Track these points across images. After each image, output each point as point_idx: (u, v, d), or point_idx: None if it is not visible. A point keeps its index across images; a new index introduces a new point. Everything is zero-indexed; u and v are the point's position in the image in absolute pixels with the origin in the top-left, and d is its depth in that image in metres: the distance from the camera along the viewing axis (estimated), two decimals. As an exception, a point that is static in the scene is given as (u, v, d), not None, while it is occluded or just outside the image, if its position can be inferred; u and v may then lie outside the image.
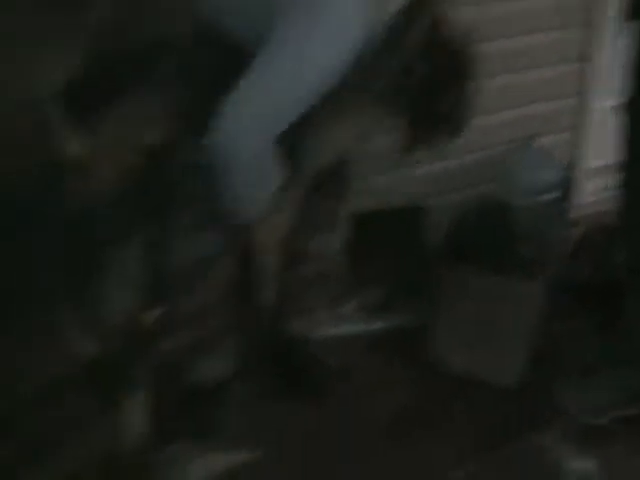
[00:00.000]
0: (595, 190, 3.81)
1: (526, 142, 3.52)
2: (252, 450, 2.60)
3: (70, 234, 2.57)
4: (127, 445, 2.49)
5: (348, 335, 3.10)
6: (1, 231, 2.13)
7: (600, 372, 2.84)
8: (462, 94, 2.35)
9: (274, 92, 2.17)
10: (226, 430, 2.65)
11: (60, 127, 2.27)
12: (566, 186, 3.52)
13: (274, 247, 2.58)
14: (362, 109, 2.42)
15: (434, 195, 3.40)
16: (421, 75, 2.25)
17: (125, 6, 2.21)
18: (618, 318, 2.86)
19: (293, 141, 2.35)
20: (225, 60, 2.22)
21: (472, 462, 2.67)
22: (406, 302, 3.22)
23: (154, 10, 2.28)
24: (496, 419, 2.83)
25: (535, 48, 3.54)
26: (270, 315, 2.77)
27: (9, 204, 2.12)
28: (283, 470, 2.58)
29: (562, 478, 2.63)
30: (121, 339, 2.38)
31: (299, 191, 2.56)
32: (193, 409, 2.64)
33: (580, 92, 3.77)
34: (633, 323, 2.78)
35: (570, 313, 3.18)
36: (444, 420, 2.82)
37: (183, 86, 2.32)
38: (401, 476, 2.62)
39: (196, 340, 2.52)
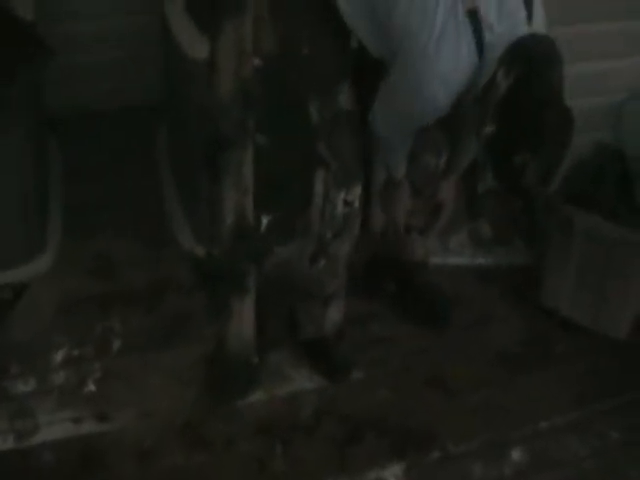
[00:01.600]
0: None
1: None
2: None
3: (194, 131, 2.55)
4: (233, 347, 2.47)
5: (457, 266, 3.06)
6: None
7: None
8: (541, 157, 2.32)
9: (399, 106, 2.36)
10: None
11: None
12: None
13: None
14: None
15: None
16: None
17: None
18: None
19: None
20: None
21: (576, 410, 2.61)
22: (517, 240, 3.16)
23: None
24: (602, 370, 2.77)
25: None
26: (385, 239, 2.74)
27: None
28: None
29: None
30: (233, 242, 2.33)
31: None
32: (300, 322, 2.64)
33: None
34: None
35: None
36: (549, 363, 2.77)
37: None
38: (506, 412, 2.57)
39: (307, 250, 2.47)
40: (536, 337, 2.86)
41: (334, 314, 2.61)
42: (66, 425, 2.35)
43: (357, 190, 2.37)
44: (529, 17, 2.29)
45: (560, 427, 2.56)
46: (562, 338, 2.84)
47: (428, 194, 2.70)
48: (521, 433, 2.53)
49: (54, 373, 2.48)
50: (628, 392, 2.69)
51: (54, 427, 2.35)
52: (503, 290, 3.01)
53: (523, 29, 2.25)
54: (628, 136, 3.30)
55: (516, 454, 2.48)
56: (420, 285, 2.87)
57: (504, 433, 2.52)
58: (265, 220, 2.41)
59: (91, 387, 2.46)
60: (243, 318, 2.45)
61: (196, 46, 2.52)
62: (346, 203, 2.37)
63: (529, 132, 2.28)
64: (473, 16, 2.21)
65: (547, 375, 2.72)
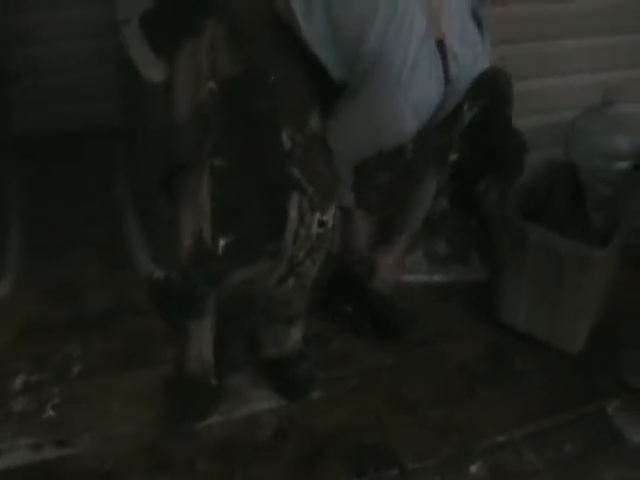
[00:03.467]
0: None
1: (601, 107, 3.44)
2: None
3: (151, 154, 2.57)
4: (193, 369, 2.49)
5: (414, 283, 3.09)
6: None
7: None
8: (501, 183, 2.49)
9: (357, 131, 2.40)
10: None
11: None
12: (640, 157, 3.44)
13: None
14: None
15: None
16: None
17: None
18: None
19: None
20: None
21: (533, 423, 2.64)
22: (473, 257, 3.21)
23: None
24: (559, 383, 2.79)
25: (619, 9, 3.46)
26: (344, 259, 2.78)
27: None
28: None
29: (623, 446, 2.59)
30: (190, 265, 2.35)
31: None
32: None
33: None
34: None
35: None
36: (508, 378, 2.80)
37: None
38: (465, 427, 2.59)
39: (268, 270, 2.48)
40: (494, 352, 2.88)
41: (296, 334, 2.64)
42: (26, 451, 2.35)
43: (332, 210, 2.39)
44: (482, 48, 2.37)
45: (518, 440, 2.58)
46: (520, 353, 2.87)
47: (383, 214, 2.75)
48: (480, 447, 2.54)
49: (13, 399, 2.48)
50: (584, 405, 2.72)
51: (14, 453, 2.35)
52: (461, 307, 3.05)
53: (482, 61, 2.32)
54: (579, 152, 3.35)
55: (475, 468, 2.49)
56: (380, 302, 2.90)
57: (463, 448, 2.53)
58: (223, 242, 2.42)
59: (50, 412, 2.46)
60: (202, 340, 2.47)
61: (152, 69, 2.53)
62: (320, 223, 2.39)
63: (492, 160, 2.36)
64: (440, 45, 2.27)
65: (505, 390, 2.75)
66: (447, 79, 2.28)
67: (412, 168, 2.66)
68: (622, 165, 3.35)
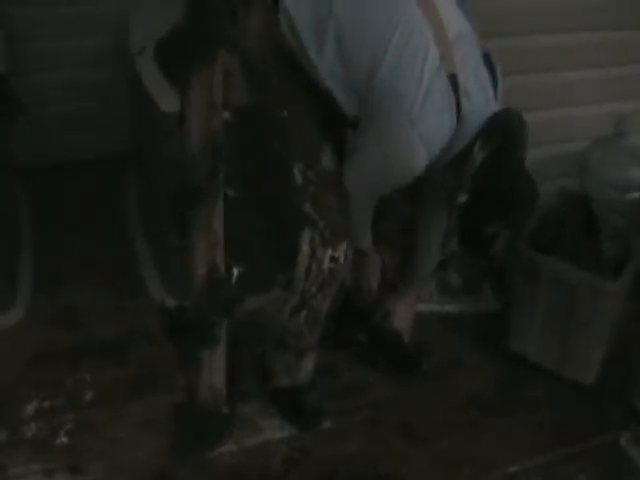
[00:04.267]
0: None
1: (613, 138, 3.45)
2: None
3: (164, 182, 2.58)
4: (204, 397, 2.49)
5: (426, 313, 3.08)
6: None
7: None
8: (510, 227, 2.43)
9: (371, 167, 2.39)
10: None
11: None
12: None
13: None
14: None
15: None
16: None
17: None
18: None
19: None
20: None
21: (544, 454, 2.63)
22: (484, 288, 3.22)
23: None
24: (570, 413, 2.80)
25: (627, 41, 3.47)
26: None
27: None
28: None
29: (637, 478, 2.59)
30: (204, 294, 2.36)
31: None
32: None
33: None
34: None
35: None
36: (519, 409, 2.79)
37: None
38: (476, 459, 2.59)
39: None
40: (505, 383, 2.88)
41: (308, 365, 2.64)
42: (38, 477, 2.36)
43: (343, 246, 2.39)
44: (495, 95, 2.37)
45: (529, 471, 2.58)
46: (531, 383, 2.87)
47: (402, 247, 2.75)
48: (491, 478, 2.54)
49: (26, 425, 2.49)
50: (596, 436, 2.72)
51: (27, 479, 2.36)
52: (472, 337, 3.05)
53: (494, 105, 2.32)
54: (592, 183, 3.35)
55: (486, 499, 2.50)
56: (391, 333, 2.90)
57: (474, 478, 2.53)
58: (236, 271, 2.43)
59: (63, 439, 2.47)
60: (214, 369, 2.47)
61: (167, 99, 2.56)
62: (332, 259, 2.39)
63: (502, 205, 2.35)
64: (453, 81, 2.27)
65: (516, 420, 2.74)
66: (459, 116, 2.28)
67: (425, 202, 2.68)
68: (635, 196, 3.35)
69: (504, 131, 2.32)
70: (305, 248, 2.38)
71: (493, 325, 3.05)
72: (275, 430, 2.60)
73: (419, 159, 2.28)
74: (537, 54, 3.28)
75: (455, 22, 2.32)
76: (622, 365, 2.94)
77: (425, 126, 2.23)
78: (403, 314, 2.87)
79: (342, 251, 2.40)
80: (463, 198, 2.35)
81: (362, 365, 2.85)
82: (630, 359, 2.98)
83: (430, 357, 2.91)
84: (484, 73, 2.35)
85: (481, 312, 3.17)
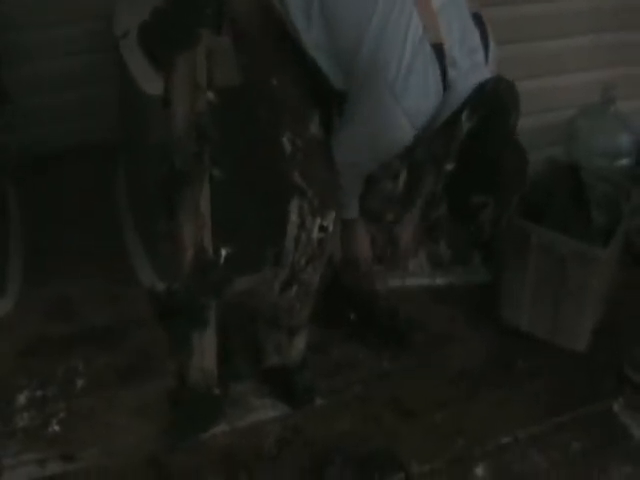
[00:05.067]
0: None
1: (601, 106, 3.44)
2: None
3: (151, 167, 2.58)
4: (196, 380, 2.51)
5: (416, 287, 3.10)
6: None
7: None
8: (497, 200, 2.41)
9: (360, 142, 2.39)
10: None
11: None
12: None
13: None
14: None
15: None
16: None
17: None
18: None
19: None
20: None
21: (537, 424, 2.65)
22: (475, 259, 3.22)
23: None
24: (563, 382, 2.81)
25: (615, 9, 3.46)
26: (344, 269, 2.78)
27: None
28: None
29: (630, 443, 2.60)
30: (192, 276, 2.37)
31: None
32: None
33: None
34: None
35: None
36: (511, 379, 2.81)
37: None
38: (469, 430, 2.60)
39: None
40: (497, 354, 2.89)
41: (299, 343, 2.65)
42: (31, 467, 2.37)
43: (332, 215, 2.40)
44: (486, 56, 2.35)
45: (522, 441, 2.60)
46: (523, 354, 2.88)
47: (387, 221, 2.75)
48: (484, 449, 2.56)
49: (17, 415, 2.50)
50: (589, 404, 2.73)
51: (19, 469, 2.36)
52: (463, 309, 3.05)
53: (483, 70, 2.31)
54: (580, 151, 3.35)
55: (480, 470, 2.51)
56: (380, 309, 2.90)
57: (467, 450, 2.55)
58: (224, 252, 2.44)
59: (55, 427, 2.47)
60: (204, 351, 2.48)
61: (151, 82, 2.55)
62: (321, 228, 2.40)
63: (489, 174, 2.34)
64: (438, 50, 2.25)
65: (508, 391, 2.76)
66: (445, 85, 2.27)
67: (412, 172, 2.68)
68: (623, 163, 3.35)
69: (492, 100, 2.30)
70: (294, 218, 2.39)
71: (484, 296, 3.05)
72: (268, 409, 2.61)
73: (404, 133, 2.27)
74: (522, 23, 3.28)
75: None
76: (613, 333, 2.95)
77: (409, 100, 2.22)
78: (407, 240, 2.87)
79: (331, 220, 2.40)
80: (450, 166, 2.35)
81: (352, 342, 2.86)
82: (620, 326, 2.99)
83: (420, 331, 2.91)
84: (473, 36, 2.33)
85: (472, 284, 3.17)
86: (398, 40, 2.22)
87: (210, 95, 2.26)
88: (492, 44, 2.39)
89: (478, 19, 2.37)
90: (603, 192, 3.14)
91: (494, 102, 2.31)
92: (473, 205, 2.36)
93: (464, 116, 2.28)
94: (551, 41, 3.37)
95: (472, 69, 2.29)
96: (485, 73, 2.31)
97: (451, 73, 2.25)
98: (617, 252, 2.99)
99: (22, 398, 2.54)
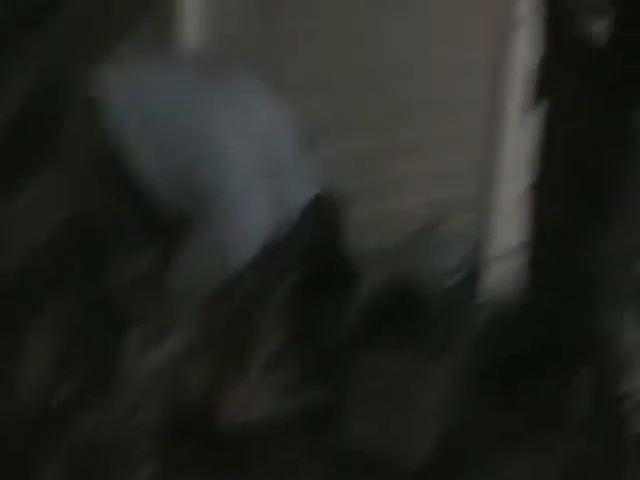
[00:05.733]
0: (504, 272, 3.87)
1: (433, 227, 3.60)
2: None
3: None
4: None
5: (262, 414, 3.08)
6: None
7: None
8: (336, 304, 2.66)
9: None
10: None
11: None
12: (473, 269, 3.58)
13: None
14: None
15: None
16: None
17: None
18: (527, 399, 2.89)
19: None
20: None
21: None
22: (318, 381, 3.22)
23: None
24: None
25: (440, 136, 3.65)
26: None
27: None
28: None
29: None
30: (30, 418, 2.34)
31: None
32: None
33: (487, 177, 3.89)
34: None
35: (481, 395, 3.19)
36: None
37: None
38: None
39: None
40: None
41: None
42: None
43: (171, 345, 2.43)
44: (314, 175, 2.49)
45: None
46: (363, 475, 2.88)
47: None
48: None
49: None
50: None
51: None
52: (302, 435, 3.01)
53: (313, 186, 2.43)
54: (414, 273, 3.47)
55: None
56: None
57: None
58: (63, 390, 2.41)
59: None
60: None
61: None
62: (158, 359, 2.41)
63: (325, 283, 2.44)
64: (272, 170, 2.35)
65: None
66: (279, 203, 2.37)
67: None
68: (455, 280, 3.48)
69: (322, 214, 2.43)
70: (129, 350, 2.41)
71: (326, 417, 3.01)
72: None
73: (243, 254, 2.37)
74: (363, 151, 3.42)
75: (269, 112, 2.45)
76: (457, 447, 2.97)
77: (247, 219, 2.32)
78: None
79: (168, 350, 2.44)
80: (290, 280, 2.44)
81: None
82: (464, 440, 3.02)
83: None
84: (301, 159, 2.49)
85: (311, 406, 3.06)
86: (236, 162, 2.31)
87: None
88: (319, 168, 2.53)
89: (302, 142, 2.55)
90: (437, 311, 3.26)
91: (324, 216, 2.44)
92: (320, 312, 2.47)
93: (297, 231, 2.40)
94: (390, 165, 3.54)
95: (303, 187, 2.41)
96: (315, 189, 2.44)
97: (284, 192, 2.36)
98: (456, 366, 3.08)
99: None
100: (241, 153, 2.39)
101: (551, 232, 2.69)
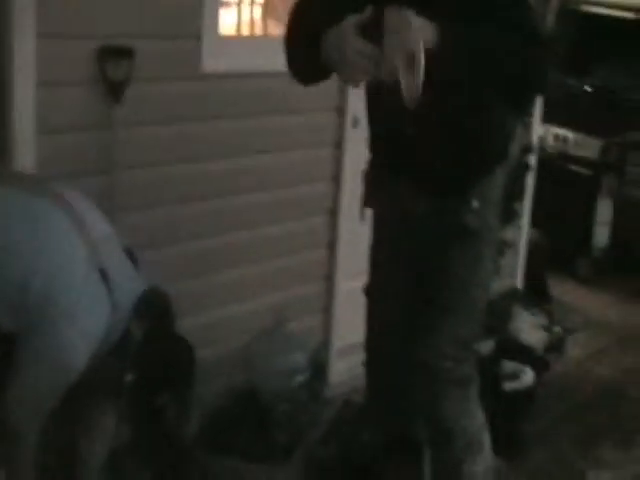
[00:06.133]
0: (346, 369, 3.95)
1: (275, 328, 3.66)
2: None
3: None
4: None
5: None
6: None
7: None
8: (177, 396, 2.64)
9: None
10: None
11: None
12: (317, 367, 3.64)
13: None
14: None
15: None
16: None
17: None
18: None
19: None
20: None
21: None
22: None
23: None
24: None
25: (282, 236, 3.76)
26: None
27: None
28: None
29: None
30: None
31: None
32: None
33: (327, 275, 4.00)
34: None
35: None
36: None
37: None
38: None
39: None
40: None
41: None
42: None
43: None
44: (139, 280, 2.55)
45: None
46: None
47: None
48: None
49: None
50: None
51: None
52: None
53: (139, 288, 2.48)
54: (259, 374, 3.50)
55: None
56: None
57: None
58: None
59: None
60: None
61: None
62: None
63: (165, 375, 2.48)
64: (104, 275, 2.44)
65: None
66: (113, 305, 2.41)
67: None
68: (300, 380, 3.53)
69: (153, 308, 2.55)
70: None
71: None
72: None
73: (82, 355, 2.41)
74: (199, 257, 3.46)
75: (96, 222, 2.56)
76: None
77: (83, 321, 2.38)
78: None
79: None
80: (130, 377, 2.46)
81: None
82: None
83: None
84: (128, 264, 2.59)
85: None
86: (66, 268, 2.41)
87: None
88: (143, 275, 2.64)
89: (130, 253, 2.63)
90: (282, 411, 3.30)
91: (156, 309, 2.54)
92: (157, 406, 2.48)
93: (133, 327, 2.45)
94: (229, 271, 3.60)
95: (132, 289, 2.51)
96: (142, 289, 2.49)
97: (116, 295, 2.41)
98: (300, 467, 3.12)
99: None
100: (74, 260, 2.43)
101: (385, 329, 2.79)
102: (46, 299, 2.36)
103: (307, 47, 2.37)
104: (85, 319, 2.39)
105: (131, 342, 2.50)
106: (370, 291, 2.84)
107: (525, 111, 4.39)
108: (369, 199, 2.76)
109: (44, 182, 2.66)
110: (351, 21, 2.21)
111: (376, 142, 2.69)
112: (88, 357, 2.41)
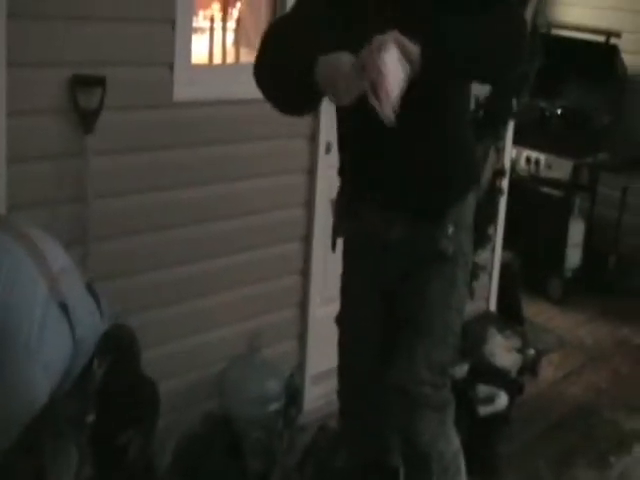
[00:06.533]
0: (321, 395, 3.95)
1: (249, 354, 3.66)
2: None
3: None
4: None
5: None
6: None
7: None
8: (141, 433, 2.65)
9: None
10: None
11: None
12: (292, 393, 3.64)
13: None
14: None
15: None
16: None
17: None
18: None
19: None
20: None
21: None
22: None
23: None
24: None
25: (255, 262, 3.76)
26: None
27: None
28: None
29: None
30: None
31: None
32: None
33: (301, 302, 4.00)
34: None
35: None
36: None
37: None
38: None
39: None
40: None
41: None
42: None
43: None
44: (101, 315, 2.54)
45: None
46: None
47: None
48: None
49: None
50: None
51: None
52: None
53: (102, 324, 2.48)
54: (233, 401, 3.50)
55: None
56: None
57: None
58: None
59: None
60: None
61: None
62: None
63: (129, 411, 2.47)
64: (64, 308, 2.43)
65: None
66: (74, 340, 2.41)
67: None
68: (274, 407, 3.52)
69: (117, 344, 2.54)
70: None
71: None
72: None
73: (42, 389, 2.39)
74: (173, 285, 3.46)
75: (57, 257, 2.55)
76: None
77: (44, 355, 2.38)
78: None
79: None
80: (91, 418, 2.44)
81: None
82: None
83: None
84: (89, 299, 2.60)
85: None
86: (26, 302, 2.40)
87: None
88: (105, 308, 2.65)
89: (90, 287, 2.65)
90: (257, 438, 3.29)
91: (119, 347, 2.52)
92: (121, 443, 2.47)
93: (95, 364, 2.44)
94: (203, 298, 3.60)
95: (94, 324, 2.49)
96: (104, 325, 2.49)
97: (78, 329, 2.42)
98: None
99: None
100: (35, 293, 2.43)
101: (359, 356, 2.80)
102: (7, 333, 2.36)
103: (290, 74, 2.38)
104: (46, 352, 2.39)
105: (92, 380, 2.49)
106: (342, 320, 2.84)
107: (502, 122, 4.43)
108: (340, 228, 2.77)
109: (8, 219, 2.67)
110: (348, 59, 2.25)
111: (347, 169, 2.71)
112: (50, 390, 2.41)
